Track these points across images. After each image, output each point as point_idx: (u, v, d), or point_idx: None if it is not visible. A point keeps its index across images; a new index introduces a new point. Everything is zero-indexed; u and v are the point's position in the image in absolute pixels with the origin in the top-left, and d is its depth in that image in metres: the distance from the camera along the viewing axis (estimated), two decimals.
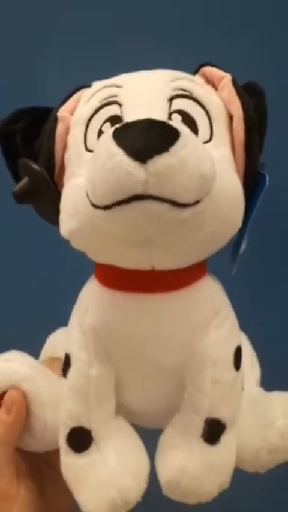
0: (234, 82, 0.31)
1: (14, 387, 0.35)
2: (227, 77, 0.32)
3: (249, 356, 0.40)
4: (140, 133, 0.25)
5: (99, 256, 0.32)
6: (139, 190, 0.25)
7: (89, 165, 0.28)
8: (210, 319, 0.33)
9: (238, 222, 0.31)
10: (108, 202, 0.26)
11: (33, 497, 0.35)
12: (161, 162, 0.25)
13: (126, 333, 0.32)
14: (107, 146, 0.26)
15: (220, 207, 0.29)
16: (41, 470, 0.37)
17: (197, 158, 0.26)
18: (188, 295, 0.32)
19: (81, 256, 0.33)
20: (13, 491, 0.34)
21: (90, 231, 0.29)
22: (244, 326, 0.41)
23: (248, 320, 0.40)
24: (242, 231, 0.33)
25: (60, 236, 0.32)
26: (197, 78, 0.33)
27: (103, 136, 0.26)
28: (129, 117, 0.30)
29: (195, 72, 0.33)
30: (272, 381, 0.39)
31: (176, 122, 0.28)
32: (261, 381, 0.40)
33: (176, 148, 0.25)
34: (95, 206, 0.27)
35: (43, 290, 0.58)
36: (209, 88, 0.32)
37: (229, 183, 0.29)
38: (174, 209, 0.26)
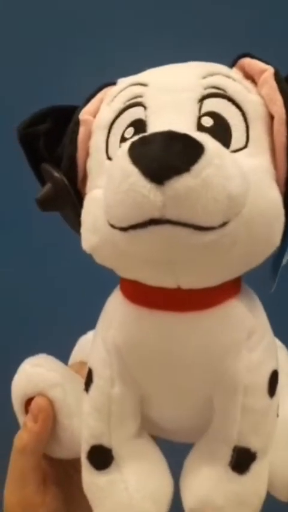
0: (277, 76, 0.27)
1: (41, 394, 0.34)
2: (269, 70, 0.27)
3: (286, 375, 0.37)
4: (158, 150, 0.22)
5: (122, 272, 0.30)
6: (156, 215, 0.23)
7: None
8: (242, 341, 0.30)
9: (275, 241, 0.27)
10: (123, 224, 0.24)
11: (59, 505, 0.35)
12: (180, 183, 0.22)
13: (150, 353, 0.30)
14: (122, 164, 0.23)
15: (253, 226, 0.25)
16: (69, 475, 0.37)
17: (224, 177, 0.23)
18: (218, 314, 0.30)
19: None
20: (39, 499, 0.34)
21: (111, 249, 0.27)
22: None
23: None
24: (283, 245, 0.30)
25: None
26: (234, 72, 0.29)
27: (118, 151, 0.24)
28: (153, 122, 0.27)
29: (232, 64, 0.29)
30: None
31: (203, 133, 0.25)
32: None
33: (198, 168, 0.22)
34: (112, 226, 0.25)
35: (70, 291, 0.57)
36: (247, 84, 0.28)
37: (265, 198, 0.26)
38: (196, 233, 0.23)
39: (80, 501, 0.36)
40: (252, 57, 0.28)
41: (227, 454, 0.30)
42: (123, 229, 0.24)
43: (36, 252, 0.60)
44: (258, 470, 0.31)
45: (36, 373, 0.35)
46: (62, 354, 0.39)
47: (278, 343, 0.38)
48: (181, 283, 0.28)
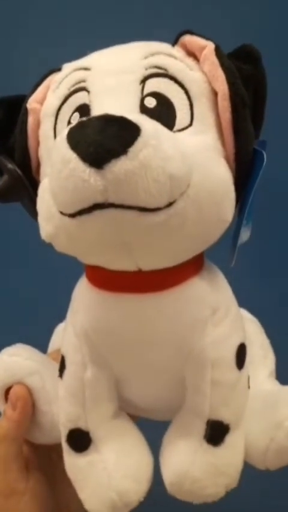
0: (218, 51, 0.27)
1: (19, 383, 0.34)
2: (209, 47, 0.27)
3: (260, 347, 0.38)
4: (94, 134, 0.22)
5: (82, 259, 0.30)
6: (99, 199, 0.23)
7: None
8: (207, 317, 0.30)
9: (227, 217, 0.27)
10: (70, 211, 0.24)
11: (43, 490, 0.35)
12: (119, 166, 0.22)
13: (118, 335, 0.31)
14: (61, 150, 0.23)
15: (202, 204, 0.25)
16: (52, 460, 0.38)
17: (162, 158, 0.23)
18: (180, 293, 0.30)
19: None
20: (21, 486, 0.35)
21: (66, 236, 0.27)
22: (256, 311, 0.39)
23: (262, 305, 0.38)
24: (239, 220, 0.30)
25: None
26: (176, 50, 0.28)
27: (58, 138, 0.24)
28: (96, 106, 0.27)
29: (174, 42, 0.29)
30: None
31: (139, 115, 0.25)
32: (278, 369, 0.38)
33: (135, 150, 0.22)
34: (61, 213, 0.25)
35: (45, 280, 0.57)
36: (190, 62, 0.28)
37: (212, 175, 0.26)
38: (142, 215, 0.24)
39: (64, 485, 0.37)
40: (193, 33, 0.28)
41: (201, 428, 0.31)
42: (71, 215, 0.24)
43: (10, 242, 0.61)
44: (233, 441, 0.31)
45: (13, 362, 0.35)
46: (41, 343, 0.40)
47: (248, 315, 0.39)
48: (140, 265, 0.28)
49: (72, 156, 0.22)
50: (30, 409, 0.34)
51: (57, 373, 0.34)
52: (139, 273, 0.28)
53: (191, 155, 0.25)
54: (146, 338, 0.30)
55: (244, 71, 0.28)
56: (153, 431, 0.35)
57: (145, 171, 0.22)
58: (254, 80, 0.28)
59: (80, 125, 0.23)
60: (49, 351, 0.42)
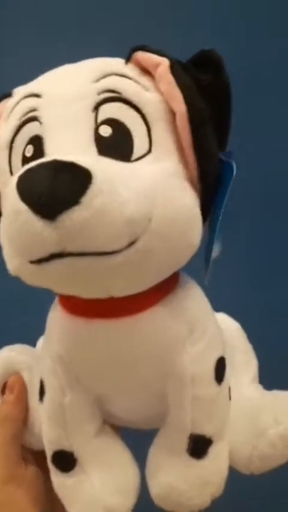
0: (173, 69, 0.25)
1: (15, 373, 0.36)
2: (163, 64, 0.25)
3: (242, 352, 0.37)
4: (44, 185, 0.21)
5: (54, 290, 0.29)
6: (55, 250, 0.22)
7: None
8: (184, 336, 0.30)
9: (193, 243, 0.26)
10: (29, 258, 0.23)
11: (39, 480, 0.35)
12: (72, 217, 0.21)
13: (91, 360, 0.31)
14: (12, 201, 0.22)
15: (165, 235, 0.25)
16: (46, 459, 0.38)
17: (118, 202, 0.22)
18: (154, 315, 0.29)
19: None
20: (20, 472, 0.35)
21: (30, 277, 0.26)
22: (240, 317, 0.39)
23: (245, 310, 0.37)
24: (211, 235, 0.29)
25: None
26: (130, 68, 0.27)
27: (9, 186, 0.23)
28: (49, 140, 0.25)
29: (127, 58, 0.27)
30: (271, 372, 0.37)
31: (90, 157, 0.23)
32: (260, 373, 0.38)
33: (87, 199, 0.21)
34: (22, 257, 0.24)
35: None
36: (145, 81, 0.26)
37: (175, 204, 0.25)
38: (101, 259, 0.23)
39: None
40: (146, 49, 0.26)
41: (183, 442, 0.31)
42: (31, 262, 0.23)
43: None
44: (217, 452, 0.32)
45: (10, 357, 0.36)
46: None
47: (229, 320, 0.38)
48: (111, 293, 0.27)
49: (23, 207, 0.21)
50: (25, 394, 0.35)
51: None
52: (111, 299, 0.28)
53: (151, 187, 0.24)
54: (122, 361, 0.30)
55: (203, 81, 0.26)
56: (139, 441, 0.35)
57: (101, 218, 0.21)
58: (215, 89, 0.27)
59: (28, 172, 0.22)
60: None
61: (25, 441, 0.36)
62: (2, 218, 0.24)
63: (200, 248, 0.28)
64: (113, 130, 0.25)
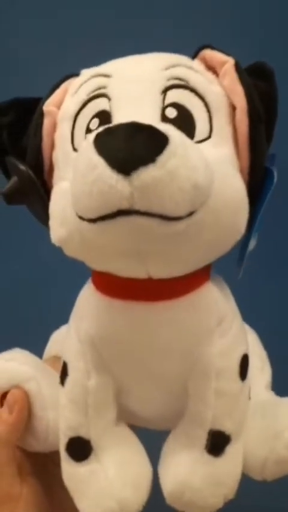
0: (237, 67, 0.28)
1: (16, 387, 0.34)
2: (229, 62, 0.28)
3: (258, 358, 0.38)
4: (123, 141, 0.22)
5: (92, 264, 0.30)
6: (124, 206, 0.23)
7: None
8: (213, 327, 0.31)
9: (241, 229, 0.28)
10: (91, 216, 0.24)
11: (38, 497, 0.35)
12: (147, 174, 0.22)
13: (123, 343, 0.31)
14: (88, 155, 0.23)
15: (219, 215, 0.26)
16: (46, 467, 0.37)
17: (188, 167, 0.23)
18: (188, 302, 0.30)
19: None
20: (16, 491, 0.34)
21: (79, 241, 0.27)
22: (254, 324, 0.39)
23: (259, 318, 0.38)
24: (248, 233, 0.30)
25: None
26: (196, 63, 0.29)
27: (84, 143, 0.24)
28: (118, 113, 0.27)
29: (194, 55, 0.29)
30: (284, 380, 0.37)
31: (166, 124, 0.25)
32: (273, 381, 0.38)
33: (163, 159, 0.22)
34: (80, 217, 0.25)
35: (44, 285, 0.57)
36: (209, 75, 0.28)
37: (230, 187, 0.26)
38: (164, 223, 0.24)
39: (59, 493, 0.36)
40: (213, 48, 0.29)
41: (202, 438, 0.31)
42: (92, 220, 0.24)
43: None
44: (233, 452, 0.32)
45: (9, 367, 0.35)
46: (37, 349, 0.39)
47: (247, 327, 0.39)
48: (151, 273, 0.28)
49: (100, 161, 0.22)
50: (26, 413, 0.34)
51: (54, 379, 0.34)
52: (149, 280, 0.28)
53: (211, 166, 0.25)
54: (152, 346, 0.30)
55: (259, 88, 0.28)
56: (151, 441, 0.35)
57: (172, 179, 0.22)
58: (267, 97, 0.29)
59: (107, 130, 0.23)
60: (44, 357, 0.41)
61: (25, 443, 0.35)
62: (73, 176, 0.24)
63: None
64: (178, 113, 0.27)
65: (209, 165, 0.25)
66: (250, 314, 0.36)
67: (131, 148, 0.22)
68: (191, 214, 0.24)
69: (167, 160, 0.22)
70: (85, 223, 0.25)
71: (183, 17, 0.51)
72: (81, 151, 0.24)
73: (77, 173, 0.24)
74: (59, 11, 0.54)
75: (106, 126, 0.24)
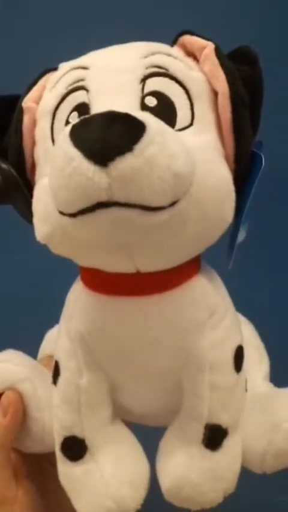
0: (218, 52, 0.27)
1: (11, 389, 0.34)
2: (209, 47, 0.27)
3: (255, 349, 0.38)
4: (99, 131, 0.22)
5: (79, 261, 0.29)
6: (103, 198, 0.22)
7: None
8: (205, 320, 0.30)
9: (227, 218, 0.27)
10: (71, 210, 0.23)
11: (33, 499, 0.34)
12: (124, 164, 0.22)
13: (114, 339, 0.30)
14: (64, 148, 0.22)
15: (204, 204, 0.25)
16: (42, 468, 0.37)
17: (167, 155, 0.22)
18: (178, 295, 0.30)
19: None
20: (11, 494, 0.34)
21: (62, 237, 0.26)
22: (250, 315, 0.39)
23: (256, 309, 0.38)
24: (237, 222, 0.30)
25: None
26: (175, 50, 0.28)
27: (60, 136, 0.23)
28: (96, 105, 0.26)
29: (173, 42, 0.29)
30: (282, 371, 0.36)
31: (144, 111, 0.25)
32: (271, 372, 0.38)
33: (141, 147, 0.22)
34: (61, 212, 0.24)
35: (40, 284, 0.56)
36: (189, 62, 0.28)
37: (214, 175, 0.26)
38: (146, 214, 0.23)
39: (56, 494, 0.36)
40: (192, 34, 0.28)
41: (199, 432, 0.30)
42: (72, 215, 0.24)
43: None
44: (231, 446, 0.31)
45: (3, 368, 0.34)
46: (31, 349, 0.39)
47: (243, 318, 0.39)
48: (139, 266, 0.27)
49: (76, 153, 0.22)
50: (21, 415, 0.33)
51: (49, 379, 0.34)
52: (137, 275, 0.28)
53: (193, 154, 0.25)
54: (143, 341, 0.30)
55: (242, 72, 0.28)
56: (148, 437, 0.34)
57: (151, 168, 0.22)
58: (252, 82, 0.28)
59: (83, 122, 0.23)
60: (39, 357, 0.41)
61: (21, 444, 0.35)
62: (50, 170, 0.24)
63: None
64: (158, 102, 0.26)
65: (190, 152, 0.24)
66: (244, 305, 0.36)
67: (107, 138, 0.22)
68: (173, 204, 0.24)
69: (144, 148, 0.22)
70: (66, 218, 0.24)
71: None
72: (58, 144, 0.23)
73: (54, 167, 0.23)
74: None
75: (82, 117, 0.23)
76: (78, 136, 0.22)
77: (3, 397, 0.34)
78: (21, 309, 0.58)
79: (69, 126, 0.23)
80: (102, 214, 0.23)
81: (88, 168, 0.22)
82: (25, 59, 0.51)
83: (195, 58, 0.28)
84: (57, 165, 0.23)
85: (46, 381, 0.34)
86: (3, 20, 0.55)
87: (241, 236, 0.31)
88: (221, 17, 0.48)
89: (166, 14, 0.49)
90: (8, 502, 0.33)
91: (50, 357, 0.38)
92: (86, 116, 0.23)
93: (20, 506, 0.34)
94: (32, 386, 0.34)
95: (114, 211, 0.23)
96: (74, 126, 0.23)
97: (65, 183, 0.23)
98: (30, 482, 0.35)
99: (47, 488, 0.36)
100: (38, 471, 0.36)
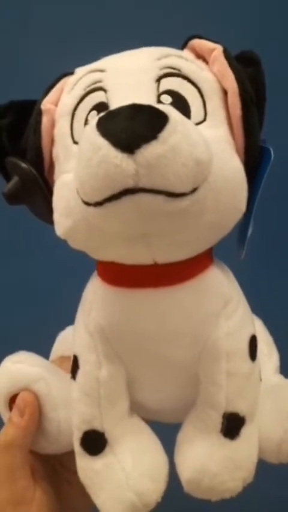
0: (226, 53, 0.29)
1: (26, 389, 0.34)
2: (218, 49, 0.29)
3: (265, 343, 0.38)
4: (125, 121, 0.23)
5: (98, 254, 0.30)
6: (129, 184, 0.23)
7: (76, 159, 0.26)
8: (220, 310, 0.31)
9: (241, 206, 0.28)
10: (98, 198, 0.24)
11: (49, 500, 0.34)
12: (150, 151, 0.23)
13: (133, 331, 0.31)
14: (91, 138, 0.24)
15: (220, 192, 0.27)
16: (56, 471, 0.37)
17: (189, 143, 0.24)
18: (194, 286, 0.31)
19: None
20: (29, 494, 0.34)
21: (86, 230, 0.27)
22: (258, 310, 0.40)
23: (264, 304, 0.39)
24: (247, 214, 0.31)
25: None
26: (186, 53, 0.30)
27: (87, 127, 0.25)
28: (115, 103, 0.27)
29: (183, 46, 0.31)
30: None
31: (165, 104, 0.26)
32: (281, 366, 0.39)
33: (165, 135, 0.23)
34: (86, 203, 0.25)
35: (49, 287, 0.57)
36: (200, 63, 0.30)
37: (228, 165, 0.27)
38: (170, 200, 0.24)
39: (69, 497, 0.36)
40: (201, 37, 0.30)
41: (217, 421, 0.31)
42: (98, 203, 0.25)
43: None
44: (248, 434, 0.32)
45: (17, 369, 0.34)
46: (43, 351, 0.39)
47: (254, 315, 0.40)
48: (157, 257, 0.28)
49: (104, 143, 0.23)
50: (37, 416, 0.34)
51: (63, 379, 0.34)
52: (154, 266, 0.29)
53: (210, 145, 0.26)
54: (161, 332, 0.31)
55: (247, 74, 0.30)
56: (163, 433, 0.34)
57: (174, 155, 0.23)
58: (256, 82, 0.30)
59: (109, 114, 0.24)
60: (51, 358, 0.41)
61: (36, 445, 0.35)
62: (77, 162, 0.25)
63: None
64: (173, 99, 0.27)
65: (207, 142, 0.26)
66: (251, 302, 0.37)
67: (133, 127, 0.23)
68: (193, 191, 0.25)
69: (168, 136, 0.23)
70: (91, 208, 0.25)
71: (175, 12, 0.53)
72: (85, 136, 0.24)
73: (81, 158, 0.24)
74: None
75: (107, 110, 0.25)
76: (105, 127, 0.23)
77: (18, 398, 0.34)
78: (31, 312, 0.58)
79: (95, 119, 0.24)
80: (128, 200, 0.24)
81: (116, 155, 0.23)
82: (29, 71, 0.53)
83: (205, 60, 0.30)
84: (84, 156, 0.24)
85: (60, 380, 0.34)
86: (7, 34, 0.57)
87: (249, 231, 0.32)
88: (220, 21, 0.50)
89: (166, 23, 0.51)
90: (26, 502, 0.33)
91: (62, 357, 0.39)
92: (111, 109, 0.24)
93: (37, 507, 0.33)
94: (46, 386, 0.34)
95: (140, 197, 0.24)
96: (100, 118, 0.24)
97: (93, 172, 0.24)
98: (46, 483, 0.35)
99: (60, 490, 0.36)
100: (53, 474, 0.36)
